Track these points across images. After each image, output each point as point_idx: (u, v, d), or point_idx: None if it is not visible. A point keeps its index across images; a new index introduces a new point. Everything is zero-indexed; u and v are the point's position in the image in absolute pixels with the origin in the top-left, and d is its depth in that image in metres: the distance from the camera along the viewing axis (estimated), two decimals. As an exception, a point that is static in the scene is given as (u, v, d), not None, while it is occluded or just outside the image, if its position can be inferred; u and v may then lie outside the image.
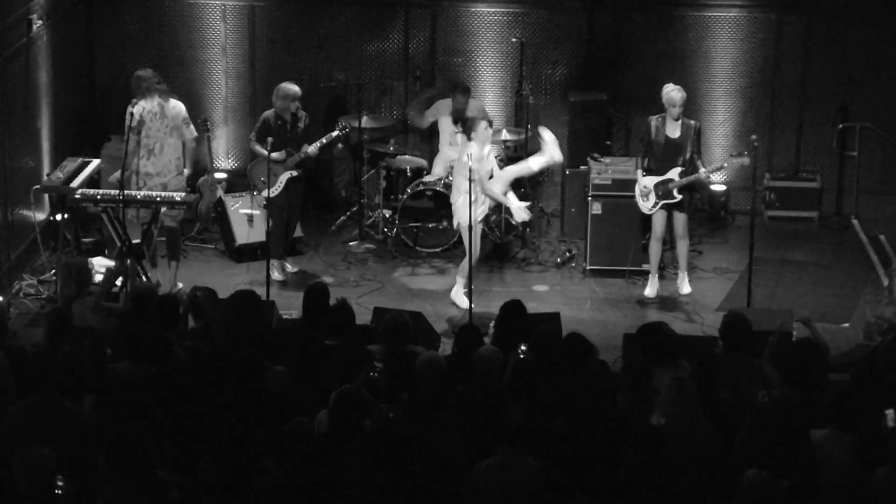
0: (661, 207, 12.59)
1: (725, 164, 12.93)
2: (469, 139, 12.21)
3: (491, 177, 12.28)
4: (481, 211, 12.36)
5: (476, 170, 11.97)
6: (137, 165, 12.60)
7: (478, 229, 12.33)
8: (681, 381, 8.19)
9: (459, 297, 12.52)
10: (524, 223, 13.40)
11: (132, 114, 12.52)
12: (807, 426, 7.94)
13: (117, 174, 12.44)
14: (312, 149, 13.03)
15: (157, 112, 12.66)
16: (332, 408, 7.85)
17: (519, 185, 14.10)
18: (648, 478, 7.44)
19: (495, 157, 12.77)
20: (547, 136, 12.45)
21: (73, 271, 10.54)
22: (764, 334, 9.56)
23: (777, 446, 7.74)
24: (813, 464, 7.73)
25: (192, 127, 12.81)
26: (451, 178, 13.60)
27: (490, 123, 14.51)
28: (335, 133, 13.24)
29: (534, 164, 12.56)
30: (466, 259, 12.34)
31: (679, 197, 12.51)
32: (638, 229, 13.19)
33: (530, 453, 7.60)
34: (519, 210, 12.49)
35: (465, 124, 12.46)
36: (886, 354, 8.90)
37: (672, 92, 12.48)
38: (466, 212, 12.02)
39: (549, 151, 12.40)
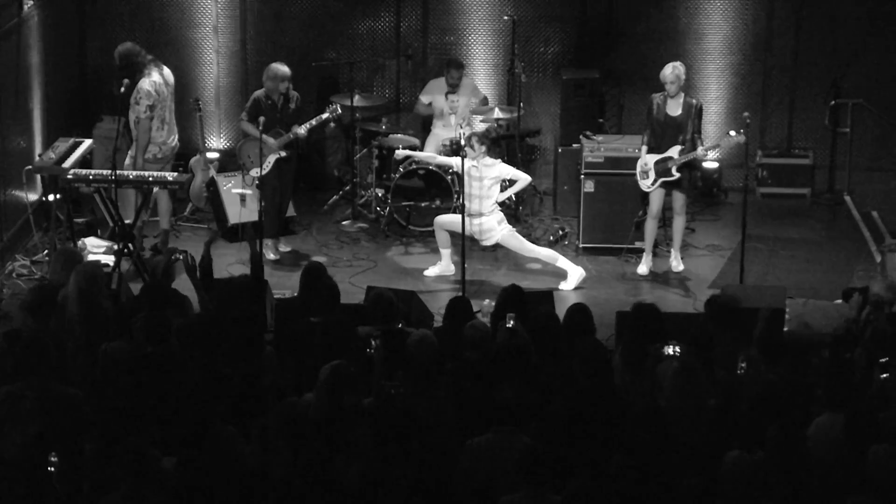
0: (660, 186, 12.59)
1: (721, 143, 12.88)
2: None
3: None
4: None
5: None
6: (153, 138, 12.80)
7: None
8: (684, 362, 8.18)
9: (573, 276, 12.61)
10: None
11: (149, 91, 12.60)
12: (796, 405, 7.95)
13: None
14: (302, 130, 12.95)
15: (162, 82, 12.76)
16: (321, 383, 7.84)
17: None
18: (646, 458, 7.44)
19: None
20: None
21: (67, 257, 10.35)
22: (755, 311, 9.56)
23: (765, 425, 7.75)
24: (803, 442, 7.73)
25: None
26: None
27: (486, 100, 14.55)
28: (325, 115, 13.15)
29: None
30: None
31: (677, 175, 12.51)
32: (631, 207, 13.19)
33: (524, 431, 7.60)
34: None
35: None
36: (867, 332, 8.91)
37: (665, 68, 12.46)
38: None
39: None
